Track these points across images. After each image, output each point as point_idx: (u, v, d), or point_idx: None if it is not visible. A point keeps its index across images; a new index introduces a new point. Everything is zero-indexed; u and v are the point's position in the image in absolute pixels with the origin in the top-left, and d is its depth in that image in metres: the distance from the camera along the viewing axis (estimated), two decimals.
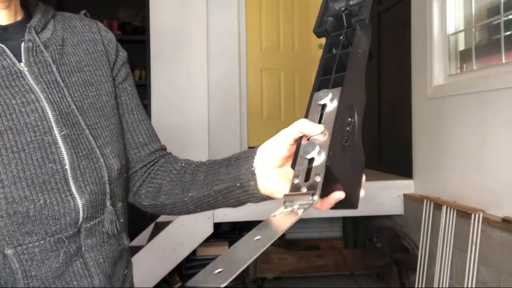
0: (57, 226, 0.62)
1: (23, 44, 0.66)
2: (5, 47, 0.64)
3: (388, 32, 3.49)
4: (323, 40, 0.64)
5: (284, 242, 3.61)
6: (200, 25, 3.18)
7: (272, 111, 4.68)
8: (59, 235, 0.62)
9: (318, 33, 0.64)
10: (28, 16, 0.71)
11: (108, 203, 0.68)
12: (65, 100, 0.66)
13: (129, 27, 3.95)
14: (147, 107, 3.14)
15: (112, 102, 0.74)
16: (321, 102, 0.58)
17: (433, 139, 2.85)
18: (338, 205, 0.58)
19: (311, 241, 3.84)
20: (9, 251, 0.59)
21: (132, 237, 2.04)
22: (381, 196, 3.10)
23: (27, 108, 0.62)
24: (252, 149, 0.67)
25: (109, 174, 0.68)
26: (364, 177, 0.61)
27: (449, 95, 2.65)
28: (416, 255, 2.86)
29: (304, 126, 0.58)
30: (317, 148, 0.54)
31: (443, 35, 2.79)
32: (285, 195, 0.54)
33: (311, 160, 0.54)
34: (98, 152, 0.67)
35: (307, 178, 0.54)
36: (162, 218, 3.05)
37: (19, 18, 0.70)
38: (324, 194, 0.56)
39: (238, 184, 0.66)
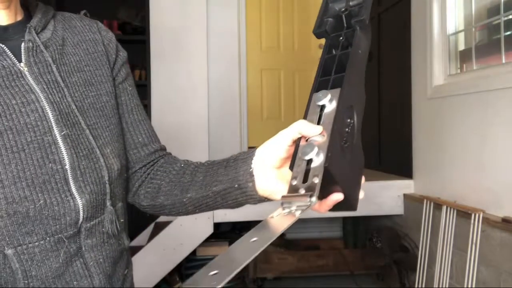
0: (57, 226, 0.62)
1: (23, 44, 0.66)
2: (5, 47, 0.64)
3: (388, 32, 3.49)
4: (323, 41, 0.64)
5: (284, 242, 3.61)
6: (200, 25, 3.18)
7: (272, 111, 4.68)
8: (59, 235, 0.62)
9: (318, 34, 0.64)
10: (28, 16, 0.71)
11: (108, 203, 0.68)
12: (65, 100, 0.66)
13: (129, 27, 3.95)
14: (147, 107, 3.14)
15: (112, 102, 0.74)
16: (320, 103, 0.57)
17: (433, 139, 2.85)
18: (337, 207, 0.57)
19: (311, 241, 3.84)
20: (9, 251, 0.59)
21: (132, 237, 2.04)
22: (381, 196, 3.10)
23: (27, 108, 0.62)
24: (251, 150, 0.66)
25: (109, 174, 0.68)
26: (363, 179, 0.60)
27: (449, 95, 2.65)
28: (416, 255, 2.86)
29: (303, 127, 0.57)
30: (316, 149, 0.54)
31: (443, 35, 2.79)
32: (283, 197, 0.54)
33: (310, 161, 0.54)
34: (98, 152, 0.67)
35: (305, 179, 0.53)
36: (162, 218, 3.05)
37: (19, 18, 0.70)
38: (323, 195, 0.56)
39: (236, 186, 0.66)
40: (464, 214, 2.43)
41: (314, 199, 0.51)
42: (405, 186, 3.13)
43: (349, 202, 0.57)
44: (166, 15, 3.15)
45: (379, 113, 3.61)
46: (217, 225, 3.11)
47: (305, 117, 0.59)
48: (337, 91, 0.57)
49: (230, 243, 3.28)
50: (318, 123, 0.57)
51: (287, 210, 0.52)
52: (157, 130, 0.83)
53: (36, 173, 0.60)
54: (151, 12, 3.16)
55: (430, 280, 2.70)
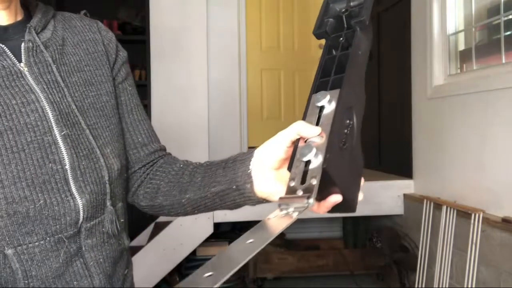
0: (57, 226, 0.62)
1: (23, 44, 0.66)
2: (5, 47, 0.64)
3: (388, 32, 3.49)
4: (323, 41, 0.64)
5: (284, 242, 3.61)
6: (200, 25, 3.18)
7: (272, 111, 4.68)
8: (59, 235, 0.62)
9: (318, 35, 0.63)
10: (28, 16, 0.71)
11: (108, 203, 0.68)
12: (65, 100, 0.66)
13: (129, 27, 3.95)
14: (147, 107, 3.14)
15: (112, 102, 0.74)
16: (319, 104, 0.57)
17: (433, 139, 2.85)
18: (336, 209, 0.57)
19: (311, 241, 3.84)
20: (9, 251, 0.59)
21: (132, 237, 2.04)
22: (381, 196, 3.10)
23: (27, 108, 0.62)
24: (249, 151, 0.66)
25: (109, 174, 0.68)
26: (363, 180, 0.60)
27: (449, 95, 2.65)
28: (416, 255, 2.86)
29: (301, 128, 0.57)
30: (314, 150, 0.53)
31: (443, 35, 2.79)
32: (281, 198, 0.53)
33: (308, 163, 0.54)
34: (98, 152, 0.67)
35: (303, 180, 0.53)
36: (162, 218, 3.05)
37: (19, 18, 0.70)
38: (321, 197, 0.56)
39: (234, 187, 0.65)
40: (464, 214, 2.43)
41: (311, 200, 0.50)
42: (405, 186, 3.13)
43: (348, 204, 0.57)
44: (166, 15, 3.15)
45: (379, 113, 3.61)
46: (217, 225, 3.11)
47: (304, 118, 0.59)
48: (336, 92, 0.57)
49: (230, 243, 3.26)
50: (317, 124, 0.57)
51: (284, 212, 0.51)
52: (157, 130, 0.83)
53: (36, 173, 0.60)
54: (151, 12, 3.16)
55: (430, 280, 2.70)
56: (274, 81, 4.68)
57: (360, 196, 0.59)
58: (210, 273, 0.41)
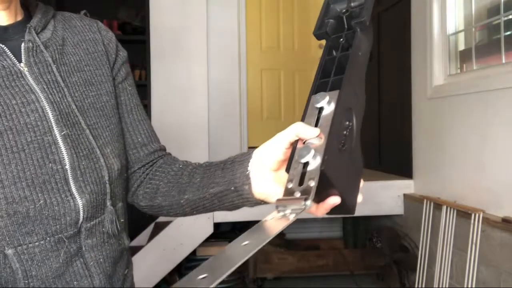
0: (57, 226, 0.62)
1: (23, 44, 0.66)
2: (5, 48, 0.64)
3: (388, 32, 3.49)
4: (323, 41, 0.63)
5: (284, 242, 3.61)
6: (200, 25, 3.18)
7: (272, 111, 4.68)
8: (59, 235, 0.62)
9: (318, 35, 0.63)
10: (28, 16, 0.71)
11: (108, 203, 0.68)
12: (65, 100, 0.66)
13: (129, 27, 3.95)
14: (147, 107, 3.14)
15: (112, 101, 0.74)
16: (318, 105, 0.57)
17: (433, 139, 2.85)
18: (334, 210, 0.57)
19: (311, 241, 3.84)
20: (9, 251, 0.59)
21: (132, 237, 2.04)
22: (381, 196, 3.10)
23: (27, 108, 0.62)
24: (248, 152, 0.66)
25: (110, 174, 0.68)
26: (362, 182, 0.60)
27: (449, 95, 2.65)
28: (416, 255, 2.86)
29: (300, 130, 0.57)
30: (312, 152, 0.53)
31: (443, 35, 2.79)
32: (278, 200, 0.53)
33: (306, 164, 0.53)
34: (98, 152, 0.67)
35: (301, 182, 0.53)
36: (162, 218, 3.05)
37: (19, 18, 0.70)
38: (320, 199, 0.55)
39: (232, 188, 0.65)
40: (464, 214, 2.43)
41: (308, 202, 0.50)
42: (405, 186, 3.13)
43: (347, 206, 0.56)
44: (166, 15, 3.15)
45: (379, 113, 3.61)
46: (217, 225, 3.11)
47: (302, 119, 0.58)
48: (336, 93, 0.56)
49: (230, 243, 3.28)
50: (316, 126, 0.56)
51: (281, 213, 0.51)
52: (157, 130, 0.83)
53: (36, 173, 0.60)
54: (151, 12, 3.16)
55: (430, 280, 2.70)
56: (274, 81, 4.68)
57: (359, 198, 0.59)
58: (204, 275, 0.41)
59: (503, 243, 2.14)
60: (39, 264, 0.61)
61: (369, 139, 3.65)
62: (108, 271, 0.68)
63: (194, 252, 3.14)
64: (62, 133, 0.64)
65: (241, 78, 3.55)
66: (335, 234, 4.08)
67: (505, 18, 2.31)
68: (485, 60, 2.52)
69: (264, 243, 0.45)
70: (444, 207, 2.60)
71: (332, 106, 0.56)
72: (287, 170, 0.55)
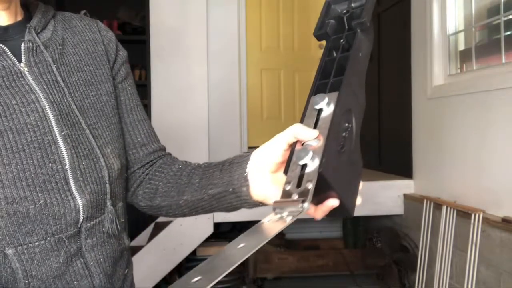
0: (58, 226, 0.62)
1: (23, 44, 0.66)
2: (5, 48, 0.64)
3: (388, 32, 3.49)
4: (323, 41, 0.63)
5: (284, 242, 3.61)
6: (200, 25, 3.18)
7: (272, 111, 4.68)
8: (60, 235, 0.62)
9: (319, 36, 0.62)
10: (28, 16, 0.71)
11: (108, 203, 0.68)
12: (65, 100, 0.66)
13: (129, 27, 3.96)
14: (147, 107, 3.14)
15: (112, 101, 0.74)
16: (317, 107, 0.56)
17: (433, 139, 2.85)
18: (333, 213, 0.56)
19: (311, 241, 3.84)
20: (9, 251, 0.59)
21: (132, 237, 2.04)
22: (381, 196, 3.10)
23: (27, 108, 0.62)
24: (247, 153, 0.66)
25: (110, 174, 0.68)
26: (361, 184, 0.59)
27: (449, 95, 2.65)
28: (416, 255, 2.86)
29: (298, 131, 0.56)
30: (310, 153, 0.52)
31: (443, 35, 2.79)
32: (275, 202, 0.53)
33: (304, 166, 0.53)
34: (98, 152, 0.67)
35: (299, 184, 0.52)
36: (162, 218, 3.05)
37: (19, 18, 0.70)
38: (318, 201, 0.55)
39: (230, 190, 0.65)
40: (464, 214, 2.43)
41: (306, 205, 0.49)
42: (405, 186, 3.13)
43: (345, 208, 0.56)
44: (166, 15, 3.15)
45: (379, 113, 3.61)
46: (217, 225, 3.11)
47: (301, 121, 0.58)
48: (335, 94, 0.56)
49: None
50: (315, 127, 0.56)
51: (278, 216, 0.51)
52: (157, 130, 0.83)
53: (36, 173, 0.60)
54: (151, 12, 3.16)
55: (430, 280, 2.70)
56: (274, 81, 4.68)
57: (358, 201, 0.59)
58: (198, 278, 0.41)
59: (503, 243, 2.14)
60: (39, 264, 0.61)
61: (369, 139, 3.65)
62: (108, 271, 0.68)
63: (194, 252, 3.14)
64: (62, 133, 0.64)
65: (241, 78, 3.55)
66: (335, 234, 4.08)
67: (505, 18, 2.31)
68: (485, 60, 2.52)
69: (259, 246, 0.45)
70: (444, 207, 2.60)
71: (332, 107, 0.56)
72: (285, 172, 0.55)
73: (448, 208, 2.57)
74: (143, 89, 3.37)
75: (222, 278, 0.42)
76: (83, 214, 0.64)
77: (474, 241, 2.30)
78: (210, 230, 2.98)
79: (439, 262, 2.59)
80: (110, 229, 0.68)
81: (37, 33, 0.69)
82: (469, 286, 2.31)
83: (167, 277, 3.01)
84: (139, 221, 3.14)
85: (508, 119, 2.16)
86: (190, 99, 3.17)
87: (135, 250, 2.83)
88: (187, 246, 2.96)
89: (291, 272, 3.29)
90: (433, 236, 2.71)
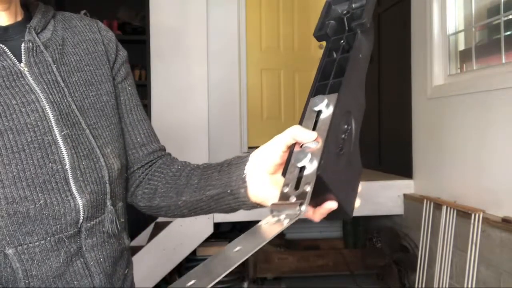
0: (58, 226, 0.62)
1: (23, 44, 0.66)
2: (5, 48, 0.64)
3: (388, 32, 3.49)
4: (323, 41, 0.63)
5: (284, 242, 3.61)
6: (200, 25, 3.18)
7: (272, 111, 4.68)
8: (60, 235, 0.62)
9: (319, 37, 0.62)
10: (28, 16, 0.71)
11: (108, 202, 0.68)
12: (65, 100, 0.66)
13: (129, 27, 3.96)
14: (147, 107, 3.14)
15: (112, 101, 0.74)
16: (316, 108, 0.56)
17: (433, 139, 2.85)
18: (331, 215, 0.56)
19: (311, 241, 3.84)
20: (9, 251, 0.60)
21: (132, 237, 2.04)
22: (381, 196, 3.10)
23: (27, 108, 0.62)
24: (245, 154, 0.66)
25: (110, 174, 0.68)
26: (360, 187, 0.59)
27: (449, 95, 2.65)
28: (416, 255, 2.86)
29: (297, 133, 0.56)
30: (309, 156, 0.52)
31: (443, 35, 2.79)
32: (273, 204, 0.52)
33: (303, 168, 0.52)
34: (98, 152, 0.67)
35: (297, 186, 0.52)
36: (162, 218, 3.05)
37: (19, 18, 0.70)
38: (316, 203, 0.54)
39: (228, 191, 0.65)
40: (464, 214, 2.43)
41: (303, 208, 0.49)
42: (405, 186, 3.13)
43: (344, 211, 0.55)
44: (166, 15, 3.15)
45: (379, 113, 3.61)
46: (217, 225, 3.11)
47: (300, 122, 0.57)
48: (334, 96, 0.56)
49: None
50: (314, 129, 0.55)
51: (276, 218, 0.50)
52: (156, 130, 0.83)
53: (37, 173, 0.60)
54: (151, 12, 3.16)
55: (430, 280, 2.70)
56: (274, 81, 4.68)
57: (357, 203, 0.58)
58: (193, 281, 0.40)
59: (503, 243, 2.14)
60: (39, 263, 0.61)
61: (369, 139, 3.65)
62: (108, 270, 0.68)
63: (194, 252, 3.14)
64: (62, 133, 0.64)
65: (241, 78, 3.56)
66: (335, 234, 4.08)
67: (505, 18, 2.31)
68: (485, 60, 2.52)
69: (256, 250, 0.45)
70: (444, 207, 2.60)
71: (331, 109, 0.55)
72: (283, 174, 0.55)
73: (448, 208, 2.57)
74: (143, 89, 3.37)
75: (222, 278, 0.42)
76: (83, 214, 0.64)
77: (474, 241, 2.30)
78: (210, 230, 2.98)
79: (439, 262, 2.59)
80: (110, 229, 0.68)
81: (37, 33, 0.69)
82: (469, 286, 2.31)
83: (167, 277, 3.01)
84: (139, 221, 3.14)
85: (508, 119, 2.16)
86: (190, 99, 3.17)
87: (135, 250, 2.83)
88: (187, 246, 2.97)
89: (291, 272, 3.29)
90: (433, 236, 2.71)
